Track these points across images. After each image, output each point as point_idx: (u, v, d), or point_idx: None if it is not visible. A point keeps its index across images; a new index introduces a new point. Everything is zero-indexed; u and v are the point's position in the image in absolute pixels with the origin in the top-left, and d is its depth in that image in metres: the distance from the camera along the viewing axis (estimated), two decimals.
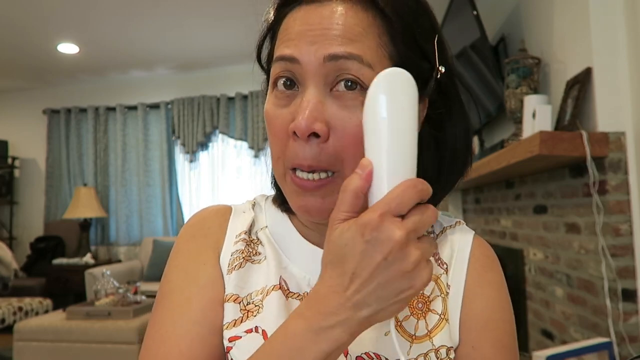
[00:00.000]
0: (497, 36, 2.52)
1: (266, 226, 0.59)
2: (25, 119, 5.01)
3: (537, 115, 1.69)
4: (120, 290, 2.81)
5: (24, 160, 4.99)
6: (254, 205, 0.62)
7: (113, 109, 4.80)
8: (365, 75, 0.46)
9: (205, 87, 4.58)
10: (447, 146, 0.54)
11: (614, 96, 1.51)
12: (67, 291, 4.09)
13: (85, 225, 4.51)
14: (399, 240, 0.37)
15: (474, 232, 0.60)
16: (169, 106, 4.69)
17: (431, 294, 0.54)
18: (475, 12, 2.19)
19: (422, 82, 0.49)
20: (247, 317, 0.51)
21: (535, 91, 1.92)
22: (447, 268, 0.56)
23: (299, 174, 0.47)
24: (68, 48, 3.92)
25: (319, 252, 0.54)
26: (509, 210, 2.33)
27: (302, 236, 0.57)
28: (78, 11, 3.28)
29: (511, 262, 2.28)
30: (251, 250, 0.56)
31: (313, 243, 0.56)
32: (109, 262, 4.37)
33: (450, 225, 0.60)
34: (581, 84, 1.57)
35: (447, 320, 0.53)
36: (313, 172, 0.47)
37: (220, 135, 4.59)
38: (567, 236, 1.72)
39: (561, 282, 1.79)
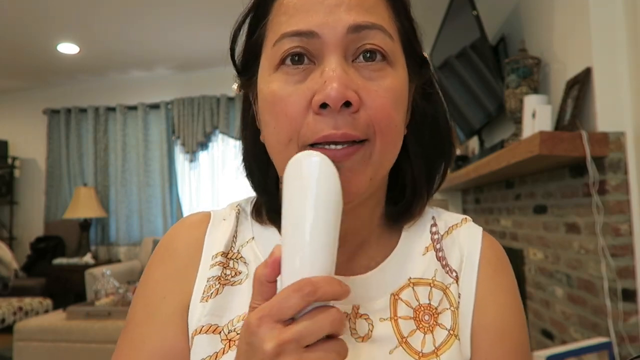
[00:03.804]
0: (497, 36, 2.52)
1: (252, 238, 0.53)
2: (25, 119, 5.01)
3: (537, 115, 1.69)
4: (120, 290, 2.81)
5: (24, 160, 4.99)
6: (238, 212, 0.56)
7: (113, 109, 4.80)
8: (389, 46, 0.45)
9: (205, 87, 4.58)
10: (438, 123, 0.53)
11: (614, 96, 1.51)
12: (67, 291, 4.09)
13: (85, 225, 4.51)
14: (269, 353, 0.33)
15: (482, 229, 0.56)
16: (169, 106, 4.69)
17: (439, 305, 0.49)
18: (475, 12, 2.18)
19: (419, 62, 0.50)
20: (230, 347, 0.46)
21: (535, 91, 1.92)
22: (456, 276, 0.51)
23: (326, 146, 0.43)
24: (68, 48, 3.92)
25: None
26: (509, 210, 2.33)
27: None
28: (78, 11, 3.28)
29: (511, 262, 2.28)
30: (229, 272, 0.50)
31: None
32: (109, 262, 4.37)
33: (457, 224, 0.55)
34: (581, 84, 1.57)
35: (456, 336, 0.48)
36: (342, 147, 0.42)
37: (220, 135, 4.59)
38: (567, 236, 1.72)
39: (561, 282, 1.78)
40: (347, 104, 0.41)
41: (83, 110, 4.86)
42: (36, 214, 4.90)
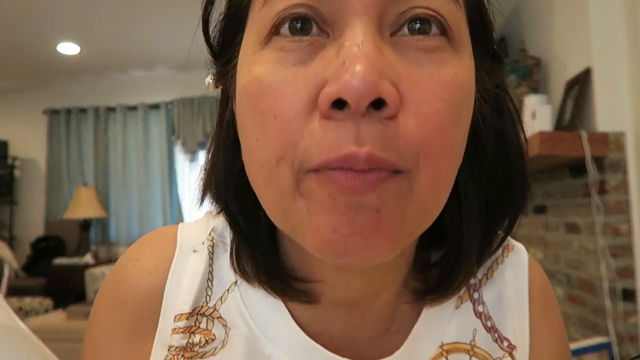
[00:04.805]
0: (497, 36, 2.53)
1: (235, 282, 0.37)
2: (25, 119, 5.01)
3: (537, 115, 1.69)
4: None
5: (24, 160, 4.99)
6: (213, 243, 0.39)
7: (113, 109, 4.80)
8: (452, 14, 0.28)
9: (205, 87, 4.57)
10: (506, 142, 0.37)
11: (613, 96, 1.52)
12: (67, 291, 4.09)
13: (85, 225, 4.51)
14: None
15: (527, 256, 0.41)
16: (169, 106, 4.70)
17: None
18: None
19: (491, 52, 0.35)
20: None
21: (535, 91, 1.92)
22: (510, 346, 0.38)
23: (337, 174, 0.26)
24: (68, 48, 3.93)
25: (313, 348, 0.35)
26: None
27: (293, 317, 0.36)
28: (78, 11, 3.28)
29: None
30: (198, 340, 0.36)
31: (308, 332, 0.36)
32: (109, 262, 4.37)
33: (497, 260, 0.40)
34: (581, 84, 1.57)
35: None
36: (369, 169, 0.26)
37: None
38: (567, 236, 1.72)
39: (561, 282, 1.79)
40: (379, 103, 0.25)
41: (83, 110, 4.86)
42: (36, 214, 4.90)
